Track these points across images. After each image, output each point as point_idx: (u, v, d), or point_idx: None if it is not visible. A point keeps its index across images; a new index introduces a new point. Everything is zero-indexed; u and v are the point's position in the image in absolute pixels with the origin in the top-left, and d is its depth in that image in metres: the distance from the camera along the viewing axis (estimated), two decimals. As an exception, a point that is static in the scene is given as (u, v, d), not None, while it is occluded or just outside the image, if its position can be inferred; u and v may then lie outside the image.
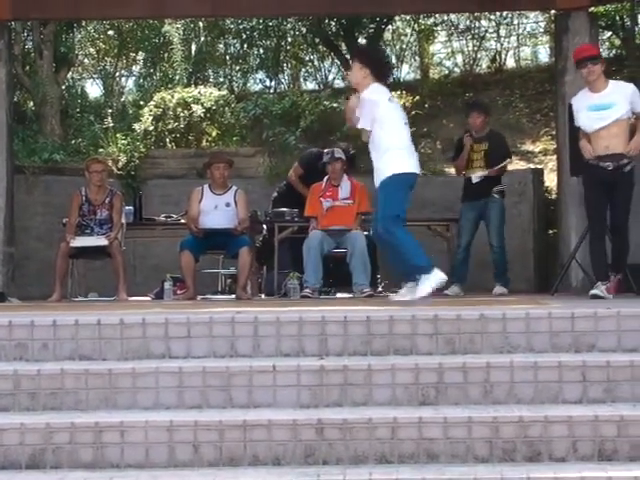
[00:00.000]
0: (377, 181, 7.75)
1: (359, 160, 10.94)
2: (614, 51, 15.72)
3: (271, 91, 17.09)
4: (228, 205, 9.71)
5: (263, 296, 10.17)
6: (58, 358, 5.56)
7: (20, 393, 5.24)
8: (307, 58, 17.85)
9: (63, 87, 16.26)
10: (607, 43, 15.68)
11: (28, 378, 5.26)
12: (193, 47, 17.59)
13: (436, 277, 7.49)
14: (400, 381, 5.22)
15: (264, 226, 10.63)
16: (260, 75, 17.71)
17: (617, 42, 15.63)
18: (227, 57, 17.76)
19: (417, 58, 17.73)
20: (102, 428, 4.88)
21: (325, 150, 10.35)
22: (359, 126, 7.84)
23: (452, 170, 13.48)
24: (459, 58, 17.61)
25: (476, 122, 10.06)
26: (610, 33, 15.55)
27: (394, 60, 17.01)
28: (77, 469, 4.82)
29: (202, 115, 14.08)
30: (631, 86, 8.12)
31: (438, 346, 5.55)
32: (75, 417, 5.01)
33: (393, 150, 7.66)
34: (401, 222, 7.66)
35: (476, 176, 9.89)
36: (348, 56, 16.50)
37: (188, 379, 5.23)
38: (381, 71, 7.96)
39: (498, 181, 10.02)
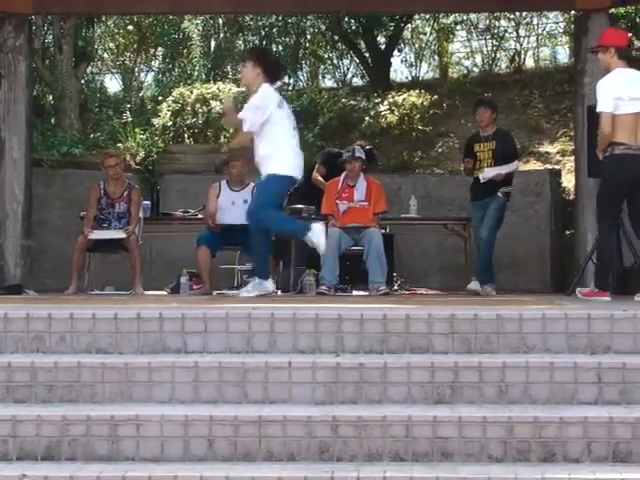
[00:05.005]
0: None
1: (378, 157, 10.94)
2: (634, 52, 15.63)
3: (289, 88, 17.10)
4: (246, 202, 9.68)
5: (279, 292, 10.17)
6: (75, 351, 5.58)
7: (37, 385, 5.27)
8: (326, 56, 17.85)
9: (82, 81, 16.33)
10: (627, 45, 15.61)
11: (45, 370, 5.28)
12: (212, 43, 17.62)
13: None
14: (415, 379, 5.22)
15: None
16: (279, 72, 17.71)
17: (638, 44, 15.56)
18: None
19: (436, 57, 17.70)
20: (118, 421, 4.90)
21: (345, 149, 10.36)
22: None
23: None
24: (478, 58, 17.60)
25: (483, 117, 9.79)
26: (630, 35, 15.45)
27: (413, 59, 17.03)
28: (92, 462, 4.83)
29: (220, 111, 14.08)
30: None
31: (454, 345, 5.55)
32: (91, 410, 5.03)
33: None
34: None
35: (483, 176, 9.61)
36: (367, 54, 16.54)
37: (204, 374, 5.25)
38: (273, 72, 8.28)
39: (508, 182, 9.73)
